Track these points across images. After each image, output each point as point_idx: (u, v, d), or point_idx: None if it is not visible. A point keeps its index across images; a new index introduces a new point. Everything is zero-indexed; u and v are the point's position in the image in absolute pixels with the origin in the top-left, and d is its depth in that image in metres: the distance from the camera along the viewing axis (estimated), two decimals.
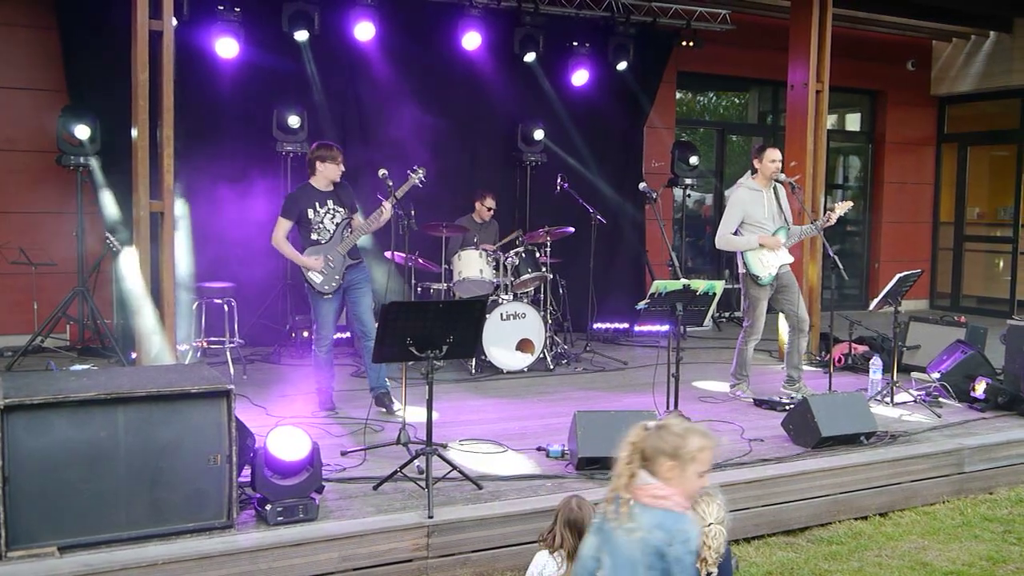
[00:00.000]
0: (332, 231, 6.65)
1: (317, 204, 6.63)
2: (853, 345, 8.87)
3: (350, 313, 6.87)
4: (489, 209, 9.34)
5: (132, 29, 6.49)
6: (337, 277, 6.64)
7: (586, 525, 3.84)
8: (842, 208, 7.56)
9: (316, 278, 6.60)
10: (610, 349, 9.72)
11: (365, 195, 7.61)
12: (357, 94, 9.63)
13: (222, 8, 8.62)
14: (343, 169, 6.67)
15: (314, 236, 6.63)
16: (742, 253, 7.33)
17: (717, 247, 7.60)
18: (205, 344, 8.14)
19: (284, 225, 6.65)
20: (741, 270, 7.38)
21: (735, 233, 7.29)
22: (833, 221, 7.48)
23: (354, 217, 6.75)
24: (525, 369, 8.36)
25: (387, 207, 6.57)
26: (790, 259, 7.41)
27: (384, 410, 6.67)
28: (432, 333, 4.87)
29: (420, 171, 6.86)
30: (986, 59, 13.23)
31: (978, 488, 6.19)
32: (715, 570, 3.82)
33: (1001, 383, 7.21)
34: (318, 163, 6.61)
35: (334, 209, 6.67)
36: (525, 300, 8.50)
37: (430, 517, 4.56)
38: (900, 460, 5.94)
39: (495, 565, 4.65)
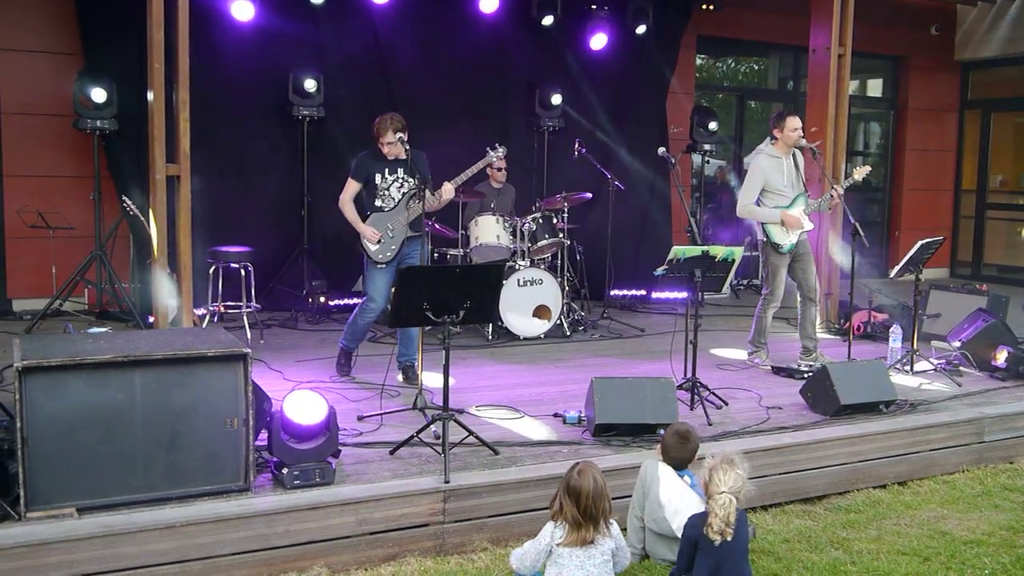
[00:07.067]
0: (397, 200, 6.53)
1: (386, 170, 6.51)
2: (873, 313, 8.80)
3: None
4: (499, 170, 9.17)
5: None
6: (393, 247, 6.51)
7: (583, 492, 3.78)
8: (860, 173, 7.42)
9: (371, 247, 6.50)
10: (627, 316, 9.68)
11: None
12: (373, 58, 9.51)
13: None
14: (391, 140, 6.34)
15: (378, 203, 6.53)
16: (762, 222, 7.24)
17: (738, 216, 7.50)
18: (222, 309, 8.16)
19: (352, 187, 6.53)
20: (761, 238, 7.30)
21: (756, 202, 7.20)
22: (839, 196, 7.18)
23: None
24: (542, 335, 8.34)
25: (448, 188, 6.44)
26: (810, 226, 7.32)
27: (406, 381, 6.61)
28: (449, 298, 4.85)
29: (500, 149, 6.73)
30: (1012, 24, 12.96)
31: (998, 458, 6.15)
32: (718, 538, 3.82)
33: (1022, 352, 7.14)
34: (377, 135, 6.42)
35: (403, 178, 6.54)
36: (542, 266, 8.45)
37: (446, 482, 4.56)
38: (919, 429, 5.90)
39: (511, 530, 4.64)
